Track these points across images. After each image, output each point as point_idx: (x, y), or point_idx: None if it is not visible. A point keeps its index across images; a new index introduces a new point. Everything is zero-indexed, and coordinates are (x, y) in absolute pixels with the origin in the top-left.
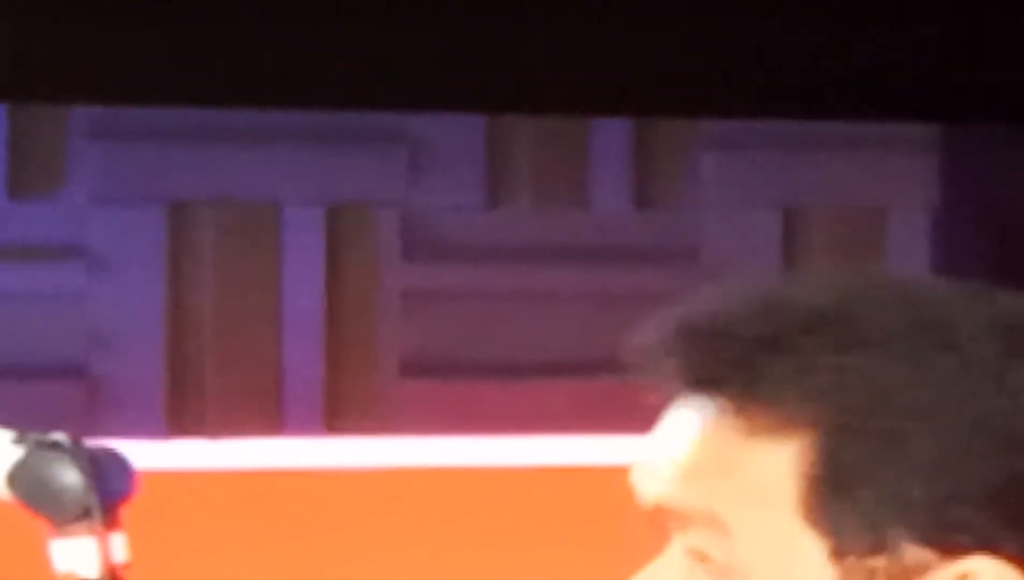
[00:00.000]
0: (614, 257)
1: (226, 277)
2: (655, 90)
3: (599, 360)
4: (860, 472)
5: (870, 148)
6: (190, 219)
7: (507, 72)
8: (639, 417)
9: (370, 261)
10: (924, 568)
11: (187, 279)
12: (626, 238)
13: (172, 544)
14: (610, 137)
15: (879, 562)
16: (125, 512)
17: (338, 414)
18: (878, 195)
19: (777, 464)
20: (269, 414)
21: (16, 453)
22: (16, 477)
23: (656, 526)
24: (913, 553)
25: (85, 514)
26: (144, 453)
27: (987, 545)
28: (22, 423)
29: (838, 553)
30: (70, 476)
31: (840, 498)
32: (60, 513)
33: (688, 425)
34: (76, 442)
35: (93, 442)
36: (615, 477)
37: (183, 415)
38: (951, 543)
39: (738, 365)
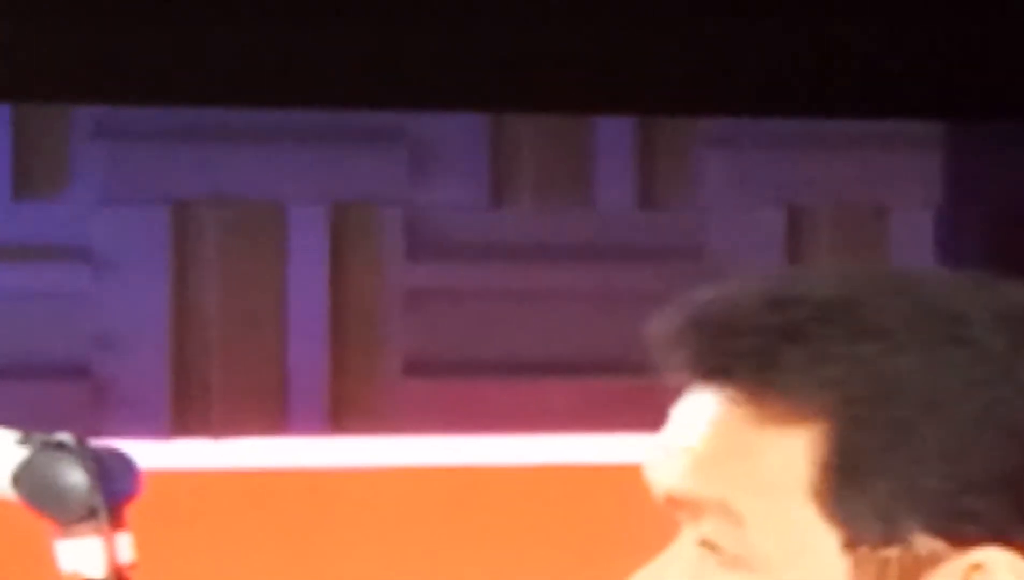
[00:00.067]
0: (618, 256)
1: (230, 277)
2: (658, 89)
3: (603, 359)
4: (872, 462)
5: (873, 146)
6: (194, 219)
7: (511, 71)
8: (643, 416)
9: (374, 260)
10: (936, 559)
11: (191, 279)
12: (630, 237)
13: (177, 544)
14: (614, 136)
15: (891, 553)
16: (130, 512)
17: (342, 413)
18: (881, 193)
19: (789, 454)
20: (273, 413)
21: (21, 453)
22: (21, 477)
23: (668, 517)
24: (925, 544)
25: (90, 514)
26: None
27: (999, 536)
28: (27, 423)
29: (850, 544)
30: (75, 476)
31: (852, 488)
32: (65, 513)
33: (700, 415)
34: (81, 442)
35: (98, 442)
36: (620, 476)
37: (188, 415)
38: (963, 534)
39: (750, 355)
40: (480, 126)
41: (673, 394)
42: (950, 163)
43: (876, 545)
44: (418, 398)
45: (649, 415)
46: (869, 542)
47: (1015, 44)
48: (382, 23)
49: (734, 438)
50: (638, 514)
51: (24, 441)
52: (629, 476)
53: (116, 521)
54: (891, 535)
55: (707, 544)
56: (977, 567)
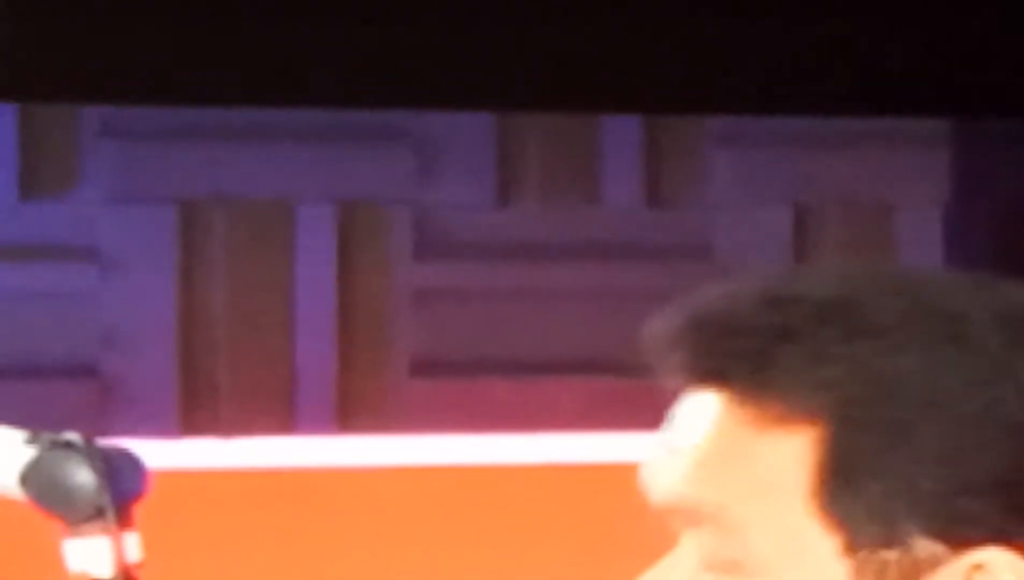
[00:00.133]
0: (625, 255)
1: (238, 276)
2: (665, 87)
3: (610, 358)
4: (870, 464)
5: (880, 144)
6: (202, 218)
7: (517, 70)
8: (650, 415)
9: (381, 260)
10: (936, 561)
11: (199, 278)
12: (637, 235)
13: (185, 543)
14: (620, 134)
15: (891, 555)
16: (138, 511)
17: (350, 412)
18: (889, 191)
19: (787, 457)
20: (281, 413)
21: (29, 453)
22: (29, 477)
23: (667, 524)
24: (925, 546)
25: (98, 513)
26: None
27: (999, 536)
28: (35, 423)
29: (849, 546)
30: (83, 476)
31: (850, 491)
32: (73, 513)
33: (697, 419)
34: (89, 442)
35: (106, 441)
36: (626, 474)
37: (195, 414)
38: (963, 535)
39: (746, 357)
40: (487, 125)
41: (678, 394)
42: (957, 161)
43: (875, 548)
44: (425, 397)
45: (656, 414)
46: (868, 545)
47: (1022, 41)
48: (389, 23)
49: (731, 442)
50: (645, 513)
51: (32, 441)
52: (636, 475)
53: (124, 520)
54: (890, 537)
55: (707, 550)
56: (978, 568)
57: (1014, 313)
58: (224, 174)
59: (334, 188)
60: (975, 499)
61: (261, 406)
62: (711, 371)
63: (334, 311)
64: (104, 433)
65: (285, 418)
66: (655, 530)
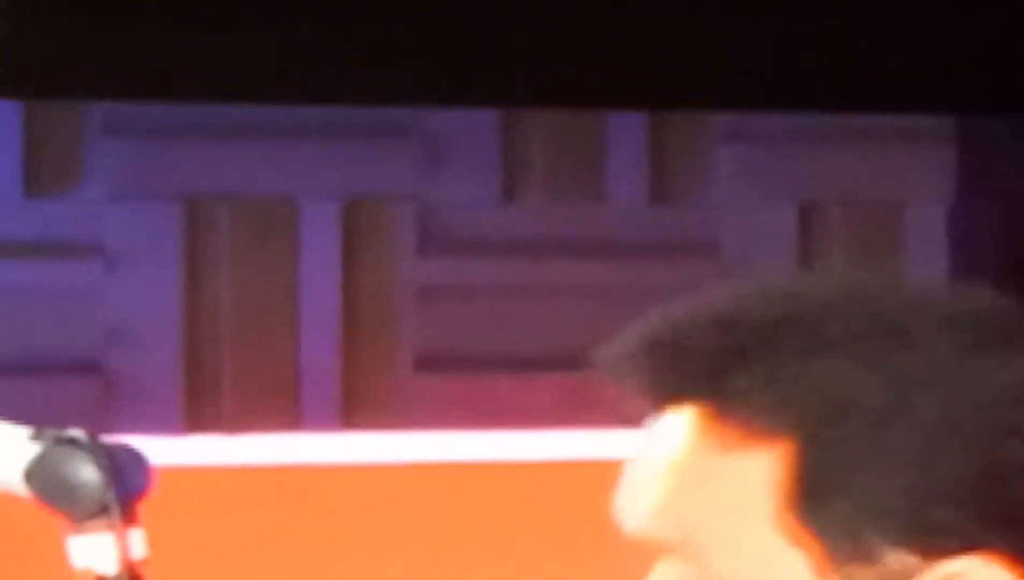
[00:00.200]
0: (630, 252)
1: (242, 273)
2: (670, 84)
3: None
4: (834, 481)
5: (886, 141)
6: (206, 215)
7: (522, 66)
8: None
9: (385, 256)
10: (911, 573)
11: (203, 275)
12: (642, 232)
13: (189, 539)
14: (626, 131)
15: (864, 571)
16: (142, 508)
17: (354, 409)
18: (894, 188)
19: (751, 479)
20: (285, 409)
21: (33, 449)
22: (33, 474)
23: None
24: (897, 559)
25: (103, 510)
26: (161, 449)
27: (973, 545)
28: (39, 419)
29: (823, 564)
30: (87, 472)
31: (817, 509)
32: (78, 509)
33: (659, 448)
34: (93, 438)
35: (110, 438)
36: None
37: (199, 411)
38: (935, 546)
39: (700, 380)
40: (492, 122)
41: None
42: (963, 158)
43: (849, 563)
44: (430, 393)
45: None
46: (841, 561)
47: None
48: (393, 19)
49: (695, 469)
50: None
51: (36, 437)
52: None
53: (128, 517)
54: (861, 552)
55: (681, 578)
56: (953, 578)
57: (962, 319)
58: (228, 171)
59: (338, 185)
60: (945, 508)
61: (265, 402)
62: (669, 395)
63: (338, 308)
64: (108, 429)
65: (290, 414)
66: None
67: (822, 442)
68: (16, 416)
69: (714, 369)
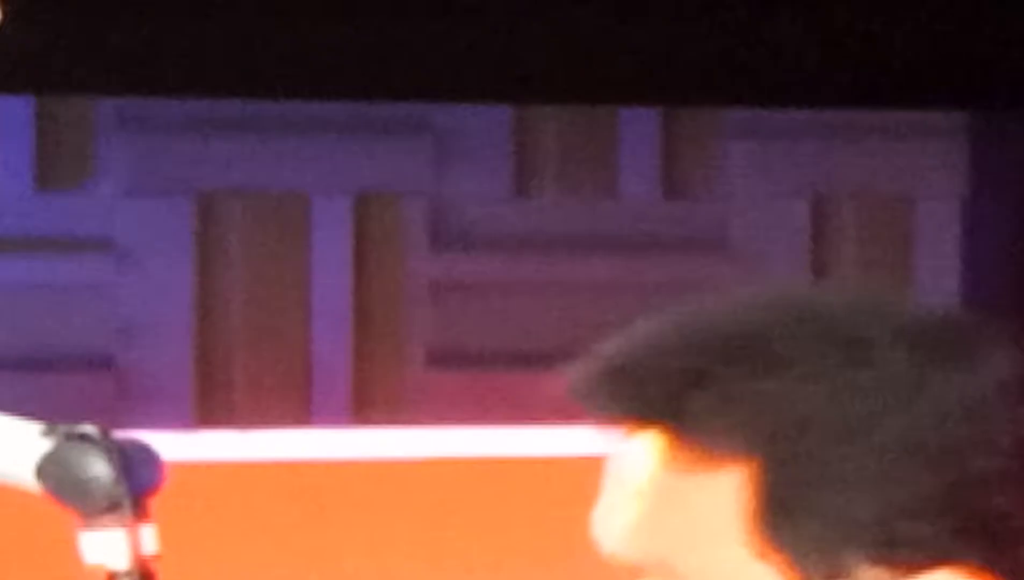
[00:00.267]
0: (642, 246)
1: (254, 268)
2: (683, 79)
3: None
4: (798, 499)
5: (898, 136)
6: (218, 210)
7: (535, 62)
8: None
9: (397, 251)
10: None
11: (215, 270)
12: (654, 227)
13: (201, 535)
14: (638, 126)
15: None
16: (154, 503)
17: (366, 405)
18: (906, 183)
19: (718, 500)
20: (297, 404)
21: (45, 445)
22: (45, 469)
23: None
24: (868, 574)
25: (114, 506)
26: (173, 444)
27: (943, 558)
28: (51, 415)
29: None
30: (99, 468)
31: (786, 527)
32: (89, 505)
33: (628, 471)
34: (105, 434)
35: (122, 433)
36: None
37: (211, 406)
38: (906, 560)
39: (659, 403)
40: (504, 117)
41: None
42: (975, 152)
43: None
44: (441, 389)
45: None
46: (811, 578)
47: None
48: (406, 15)
49: (663, 491)
50: None
51: (48, 433)
52: None
53: (140, 513)
54: (832, 570)
55: None
56: None
57: (917, 330)
58: (240, 166)
59: (350, 180)
60: (912, 522)
61: (277, 398)
62: (632, 419)
63: (350, 303)
64: (120, 425)
65: (301, 410)
66: None
67: (784, 461)
68: (28, 411)
69: (672, 393)
